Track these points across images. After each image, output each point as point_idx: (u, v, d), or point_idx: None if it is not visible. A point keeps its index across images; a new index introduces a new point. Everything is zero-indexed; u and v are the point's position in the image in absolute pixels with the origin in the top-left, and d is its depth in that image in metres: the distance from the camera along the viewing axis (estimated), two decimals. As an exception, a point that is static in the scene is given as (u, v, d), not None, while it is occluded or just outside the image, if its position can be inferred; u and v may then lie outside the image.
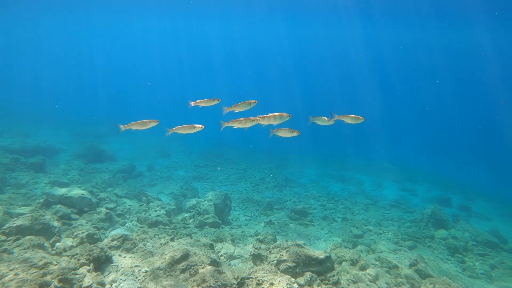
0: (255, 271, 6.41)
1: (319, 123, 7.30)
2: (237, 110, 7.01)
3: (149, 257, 6.98)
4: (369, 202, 15.81)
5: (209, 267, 6.49)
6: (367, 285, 7.09)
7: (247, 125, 6.80)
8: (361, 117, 7.07)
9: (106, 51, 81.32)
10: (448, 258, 10.45)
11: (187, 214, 11.42)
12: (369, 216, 13.92)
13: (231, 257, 8.34)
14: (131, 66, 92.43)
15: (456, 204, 17.60)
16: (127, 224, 9.51)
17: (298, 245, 7.48)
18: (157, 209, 11.13)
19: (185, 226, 10.49)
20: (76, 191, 9.40)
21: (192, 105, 7.17)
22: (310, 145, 29.46)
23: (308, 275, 6.59)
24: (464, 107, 67.90)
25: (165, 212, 10.96)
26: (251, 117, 6.74)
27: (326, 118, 7.18)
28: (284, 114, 6.81)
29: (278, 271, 6.56)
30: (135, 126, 6.72)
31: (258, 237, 9.21)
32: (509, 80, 53.32)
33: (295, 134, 6.84)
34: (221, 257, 8.26)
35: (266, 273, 6.35)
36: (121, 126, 6.76)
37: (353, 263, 8.08)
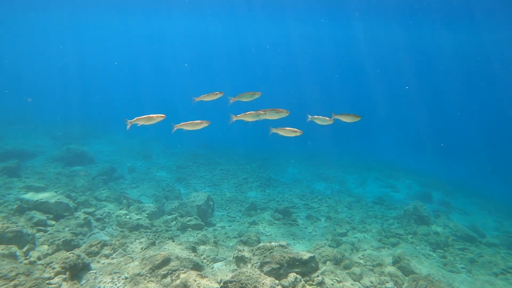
0: (238, 274, 6.29)
1: (319, 122, 7.23)
2: (242, 100, 6.98)
3: (129, 262, 6.77)
4: (352, 200, 15.92)
5: (191, 271, 6.34)
6: (352, 284, 7.08)
7: (255, 118, 6.71)
8: (358, 116, 7.06)
9: (88, 50, 79.39)
10: (430, 253, 10.60)
11: (169, 217, 11.20)
12: (352, 214, 14.01)
13: (214, 259, 8.20)
14: (113, 66, 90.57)
15: (436, 200, 17.93)
16: (106, 229, 9.22)
17: (282, 246, 7.41)
18: (138, 212, 10.88)
19: (167, 229, 10.28)
20: (53, 196, 9.05)
21: (196, 100, 7.09)
22: (293, 144, 29.55)
23: (292, 276, 6.53)
24: (444, 104, 69.64)
25: (146, 215, 10.72)
26: (260, 111, 6.66)
27: (327, 118, 7.10)
28: (281, 110, 6.74)
29: (262, 273, 6.46)
30: (141, 122, 6.59)
31: (242, 238, 9.10)
32: (488, 77, 54.93)
33: (298, 133, 6.75)
34: (204, 260, 8.11)
35: (250, 275, 6.25)
36: (128, 121, 6.66)
37: (337, 262, 8.07)
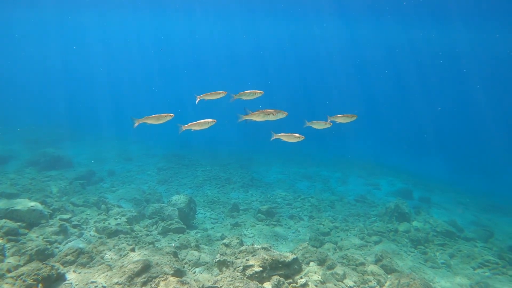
0: (220, 279, 6.18)
1: (316, 127, 7.17)
2: (243, 98, 6.94)
3: (107, 270, 6.54)
4: (335, 199, 16.01)
5: (171, 278, 6.17)
6: (335, 285, 7.07)
7: (264, 118, 6.62)
8: (354, 115, 7.05)
9: (69, 51, 77.07)
10: (411, 250, 10.75)
11: (149, 221, 10.95)
12: (335, 212, 14.08)
13: (196, 264, 8.04)
14: (96, 68, 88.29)
15: (417, 196, 18.26)
16: (84, 236, 8.91)
17: (265, 249, 7.33)
18: (117, 217, 10.58)
19: (148, 234, 10.05)
20: (25, 203, 8.67)
21: (199, 99, 7.04)
22: (276, 143, 29.57)
23: (275, 279, 6.45)
24: (424, 103, 71.21)
25: (126, 220, 10.43)
26: (267, 110, 6.59)
27: (324, 121, 7.05)
28: (270, 110, 6.66)
29: (244, 278, 6.36)
30: (150, 121, 6.55)
31: (224, 241, 8.96)
32: (463, 75, 56.46)
33: (300, 139, 6.69)
34: (186, 265, 7.93)
35: (232, 280, 6.14)
36: (136, 120, 6.67)
37: (321, 262, 8.05)
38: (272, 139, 6.87)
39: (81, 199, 11.81)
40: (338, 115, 7.08)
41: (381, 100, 74.94)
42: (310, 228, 11.83)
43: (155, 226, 10.72)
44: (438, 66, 55.13)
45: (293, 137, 6.70)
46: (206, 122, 6.56)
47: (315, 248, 8.85)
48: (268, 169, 21.42)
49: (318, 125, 7.12)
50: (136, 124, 6.62)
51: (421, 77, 65.35)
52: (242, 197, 15.30)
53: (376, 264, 8.30)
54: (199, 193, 15.50)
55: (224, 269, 7.13)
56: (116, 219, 10.37)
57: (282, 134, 6.74)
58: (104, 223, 9.76)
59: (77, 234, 8.83)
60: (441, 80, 63.84)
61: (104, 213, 10.90)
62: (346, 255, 8.86)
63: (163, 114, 6.52)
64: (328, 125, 7.07)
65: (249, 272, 6.53)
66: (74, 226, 9.24)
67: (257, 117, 6.61)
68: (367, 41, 46.07)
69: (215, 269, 7.54)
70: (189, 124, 6.57)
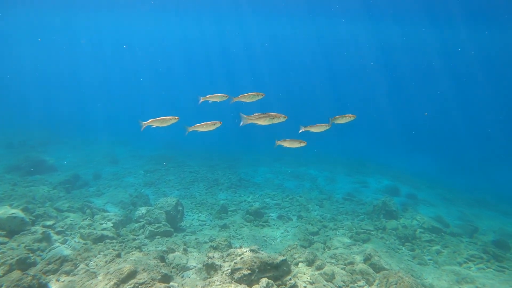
0: (208, 284, 6.10)
1: (314, 130, 7.12)
2: (243, 101, 6.97)
3: (92, 278, 6.39)
4: (323, 197, 16.06)
5: (158, 284, 6.07)
6: (324, 285, 7.06)
7: (268, 122, 6.55)
8: (353, 115, 7.03)
9: (52, 53, 75.43)
10: (399, 247, 10.84)
11: (136, 225, 10.77)
12: (324, 211, 14.11)
13: (184, 268, 7.93)
14: (81, 69, 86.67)
15: (404, 193, 18.45)
16: (68, 242, 8.70)
17: (253, 251, 7.27)
18: (103, 221, 10.38)
19: (135, 238, 9.88)
20: (5, 210, 8.42)
21: (202, 100, 7.16)
22: (263, 143, 29.54)
23: (264, 281, 6.39)
24: (410, 101, 72.25)
25: (112, 225, 10.24)
26: (271, 113, 6.53)
27: (322, 124, 7.01)
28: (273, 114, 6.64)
29: (233, 281, 6.30)
30: (155, 123, 6.58)
31: (212, 244, 8.88)
32: (451, 75, 57.44)
33: (302, 144, 6.67)
34: (173, 269, 7.81)
35: (220, 284, 6.07)
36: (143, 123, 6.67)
37: (310, 263, 8.04)
38: (275, 146, 6.86)
39: (65, 204, 11.54)
40: (336, 117, 7.06)
41: (367, 98, 75.74)
42: (299, 228, 11.82)
43: (142, 230, 10.56)
44: (426, 64, 55.92)
45: (295, 143, 6.70)
46: (211, 124, 6.61)
47: (304, 249, 8.84)
48: (256, 169, 21.37)
49: (316, 129, 7.08)
50: (143, 127, 6.64)
51: (409, 75, 66.26)
52: (231, 198, 15.22)
53: (364, 263, 8.33)
54: (187, 195, 15.35)
55: (212, 272, 7.05)
56: (101, 224, 10.18)
57: (284, 140, 6.73)
58: (89, 228, 9.57)
59: (61, 241, 8.62)
60: (429, 79, 64.82)
61: (89, 218, 10.69)
62: (335, 254, 8.87)
63: (168, 117, 6.58)
64: (327, 127, 7.05)
65: (237, 275, 6.46)
66: (58, 233, 9.03)
67: (262, 121, 6.57)
68: (354, 39, 46.37)
69: (203, 272, 7.45)
70: (195, 125, 6.60)
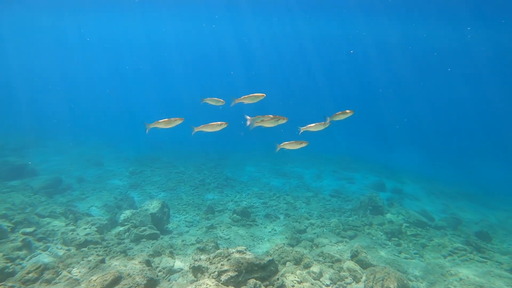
0: (195, 287, 6.02)
1: (313, 129, 7.08)
2: (245, 102, 7.02)
3: (75, 286, 6.23)
4: (310, 195, 16.12)
5: (143, 289, 5.96)
6: (312, 284, 7.06)
7: (273, 124, 6.62)
8: (350, 111, 7.02)
9: (32, 52, 73.18)
10: (386, 243, 10.95)
11: (121, 228, 10.57)
12: (311, 209, 14.16)
13: (171, 271, 7.82)
14: (61, 70, 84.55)
15: (390, 188, 18.69)
16: (50, 249, 8.47)
17: (240, 252, 7.21)
18: (86, 226, 10.14)
19: (120, 242, 9.69)
20: (-17, 218, 8.14)
21: (203, 101, 7.37)
22: (249, 142, 29.52)
23: (251, 282, 6.36)
24: (395, 96, 73.22)
25: (96, 229, 10.03)
26: (277, 116, 6.62)
27: (320, 123, 6.98)
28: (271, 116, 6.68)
29: (220, 283, 6.23)
30: (160, 125, 6.57)
31: (199, 245, 8.79)
32: (434, 69, 58.37)
33: (303, 145, 6.66)
34: (160, 273, 7.71)
35: (207, 287, 6.00)
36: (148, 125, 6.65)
37: (297, 262, 8.03)
38: (276, 151, 6.85)
39: (47, 209, 11.25)
40: (335, 114, 7.06)
41: (352, 95, 76.44)
42: (286, 226, 11.82)
43: (127, 233, 10.37)
44: (410, 60, 56.66)
45: (296, 144, 6.71)
46: (217, 125, 6.64)
47: (291, 248, 8.84)
48: (242, 168, 21.31)
49: (314, 128, 7.06)
50: (148, 129, 6.66)
51: (394, 71, 67.05)
52: (217, 198, 15.12)
53: (352, 260, 8.38)
54: (173, 196, 15.18)
55: (199, 275, 6.97)
56: (85, 228, 9.95)
57: (285, 143, 6.73)
58: (72, 234, 9.33)
59: (42, 248, 8.38)
60: (413, 74, 65.75)
61: (72, 223, 10.45)
62: (322, 252, 8.89)
63: (173, 119, 6.59)
64: (325, 125, 7.05)
65: (224, 277, 6.40)
66: (39, 240, 8.78)
67: (268, 123, 6.62)
68: (341, 36, 46.59)
69: (190, 275, 7.37)
70: (201, 126, 6.67)
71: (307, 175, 20.35)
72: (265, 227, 11.89)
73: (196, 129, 6.75)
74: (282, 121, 6.70)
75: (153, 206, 11.36)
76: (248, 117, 6.77)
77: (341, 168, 22.66)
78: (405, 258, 9.97)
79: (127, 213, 11.26)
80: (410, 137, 46.10)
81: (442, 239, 11.35)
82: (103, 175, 18.22)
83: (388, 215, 13.06)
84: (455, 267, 9.26)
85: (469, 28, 33.33)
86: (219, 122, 6.67)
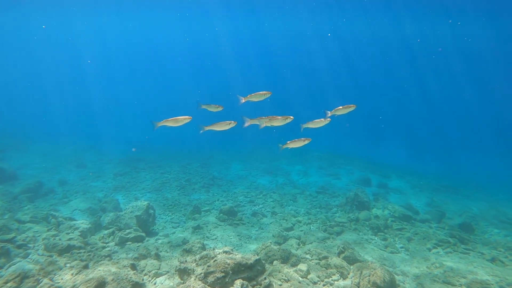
0: (181, 290, 5.93)
1: (314, 126, 7.05)
2: (252, 100, 7.09)
3: (57, 293, 6.06)
4: (297, 192, 16.15)
5: (128, 294, 5.83)
6: (299, 282, 7.06)
7: (282, 123, 6.72)
8: (352, 105, 7.01)
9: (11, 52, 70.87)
10: (372, 238, 11.05)
11: (106, 232, 10.37)
12: (297, 206, 14.18)
13: (157, 274, 7.70)
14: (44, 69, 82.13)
15: (375, 183, 18.87)
16: (30, 256, 8.22)
17: (226, 252, 7.15)
18: (69, 231, 9.91)
19: (104, 246, 9.51)
20: (-41, 227, 7.84)
21: (202, 107, 7.41)
22: (235, 140, 29.41)
23: (238, 283, 6.30)
24: (379, 91, 74.03)
25: (79, 233, 9.79)
26: (285, 116, 6.71)
27: (322, 119, 6.97)
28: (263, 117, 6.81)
29: (206, 285, 6.16)
30: (169, 123, 6.67)
31: (185, 247, 8.68)
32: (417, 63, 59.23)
33: (307, 141, 6.74)
34: (145, 276, 7.58)
35: (193, 289, 5.92)
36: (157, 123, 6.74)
37: (284, 260, 8.02)
38: (280, 151, 6.95)
39: (28, 214, 10.94)
40: (336, 108, 7.07)
41: (335, 90, 76.96)
42: (273, 224, 11.81)
43: (112, 237, 10.18)
44: (393, 54, 57.28)
45: (300, 142, 6.72)
46: (226, 124, 6.72)
47: (278, 246, 8.81)
48: (229, 167, 21.21)
49: (315, 124, 7.07)
50: (156, 127, 6.73)
51: (377, 66, 67.75)
52: (204, 198, 15.00)
53: (339, 257, 8.41)
54: (158, 197, 14.98)
55: (185, 277, 6.88)
56: (68, 233, 9.71)
57: (288, 142, 6.75)
58: (54, 239, 9.08)
59: (22, 256, 8.12)
60: (397, 68, 66.53)
61: (54, 228, 10.17)
62: (309, 249, 8.89)
63: (181, 117, 6.65)
64: (326, 121, 7.05)
65: (210, 279, 6.33)
66: (19, 247, 8.51)
67: (277, 122, 6.72)
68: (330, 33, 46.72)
69: (176, 277, 7.27)
70: (210, 125, 6.75)
71: (294, 172, 20.39)
72: (252, 226, 11.85)
73: (206, 128, 6.81)
74: (289, 120, 6.78)
75: (138, 207, 11.18)
76: (246, 119, 6.77)
77: (327, 164, 22.79)
78: (391, 252, 10.08)
79: (111, 215, 11.06)
80: (395, 132, 46.76)
81: (427, 232, 11.53)
82: (86, 177, 17.86)
83: (374, 210, 13.19)
84: (439, 260, 9.41)
85: (450, 21, 33.72)
86: (228, 121, 6.72)
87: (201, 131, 6.94)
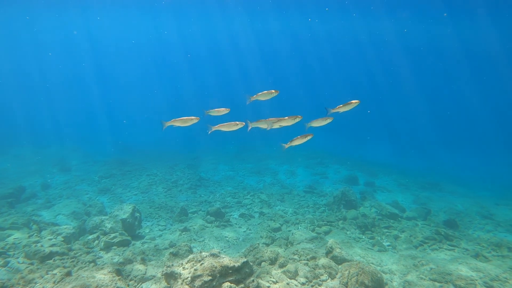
0: (167, 296, 5.82)
1: (318, 124, 6.99)
2: (260, 99, 7.16)
3: (38, 302, 5.87)
4: (284, 192, 16.13)
5: (112, 302, 5.68)
6: (287, 283, 7.02)
7: (291, 123, 6.81)
8: (356, 101, 6.95)
9: None
10: (360, 236, 11.09)
11: (90, 236, 10.14)
12: (285, 206, 14.16)
13: (143, 279, 7.55)
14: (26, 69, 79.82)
15: (362, 182, 19.01)
16: (10, 264, 7.96)
17: (213, 255, 7.05)
18: (51, 236, 9.64)
19: (89, 251, 9.28)
20: None
21: (206, 113, 7.30)
22: (222, 140, 29.23)
23: (226, 286, 6.22)
24: (367, 90, 74.76)
25: (62, 239, 9.54)
26: (292, 116, 6.79)
27: (325, 118, 6.92)
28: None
29: (193, 290, 6.06)
30: (177, 123, 6.68)
31: (172, 250, 8.55)
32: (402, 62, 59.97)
33: (309, 137, 6.78)
34: (131, 282, 7.42)
35: (179, 295, 5.81)
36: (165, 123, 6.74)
37: (272, 262, 7.97)
38: (283, 150, 7.00)
39: (8, 220, 10.61)
40: (340, 106, 7.02)
41: (322, 88, 77.41)
42: (261, 225, 11.75)
43: (96, 241, 9.95)
44: (378, 52, 57.85)
45: (303, 139, 6.72)
46: (234, 124, 6.74)
47: (266, 247, 8.77)
48: (216, 167, 21.08)
49: (319, 123, 7.03)
50: (165, 127, 6.74)
51: (362, 64, 68.28)
52: (191, 199, 14.84)
53: (327, 257, 8.40)
54: (145, 199, 14.77)
55: (172, 281, 6.75)
56: (50, 239, 9.45)
57: (291, 141, 6.73)
58: (35, 246, 8.82)
59: (1, 264, 7.86)
60: (381, 66, 67.21)
61: (36, 234, 9.89)
62: (297, 250, 8.86)
63: (189, 117, 6.69)
64: (329, 120, 7.03)
65: (197, 282, 6.23)
66: (-1, 254, 8.24)
67: (285, 122, 6.82)
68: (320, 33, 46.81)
69: (163, 282, 7.13)
70: (218, 125, 6.74)
71: (281, 172, 20.39)
72: (239, 227, 11.77)
73: (214, 128, 6.80)
74: (298, 120, 6.86)
75: (123, 211, 10.99)
76: (249, 122, 6.76)
77: (314, 163, 22.86)
78: (379, 251, 10.13)
79: (96, 220, 10.82)
80: (381, 130, 47.32)
81: (413, 230, 11.64)
82: (70, 181, 17.49)
83: (361, 209, 13.27)
84: (426, 257, 9.50)
85: (445, 14, 33.84)
86: (236, 122, 6.73)
87: (209, 132, 6.92)
